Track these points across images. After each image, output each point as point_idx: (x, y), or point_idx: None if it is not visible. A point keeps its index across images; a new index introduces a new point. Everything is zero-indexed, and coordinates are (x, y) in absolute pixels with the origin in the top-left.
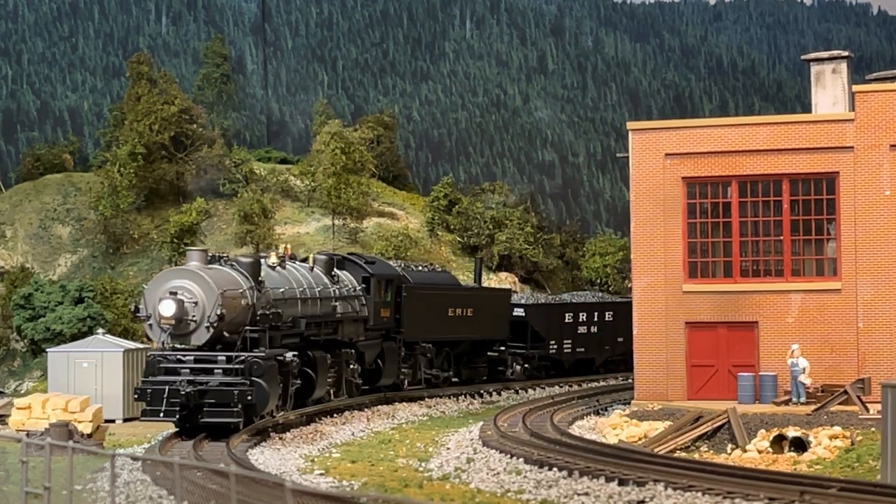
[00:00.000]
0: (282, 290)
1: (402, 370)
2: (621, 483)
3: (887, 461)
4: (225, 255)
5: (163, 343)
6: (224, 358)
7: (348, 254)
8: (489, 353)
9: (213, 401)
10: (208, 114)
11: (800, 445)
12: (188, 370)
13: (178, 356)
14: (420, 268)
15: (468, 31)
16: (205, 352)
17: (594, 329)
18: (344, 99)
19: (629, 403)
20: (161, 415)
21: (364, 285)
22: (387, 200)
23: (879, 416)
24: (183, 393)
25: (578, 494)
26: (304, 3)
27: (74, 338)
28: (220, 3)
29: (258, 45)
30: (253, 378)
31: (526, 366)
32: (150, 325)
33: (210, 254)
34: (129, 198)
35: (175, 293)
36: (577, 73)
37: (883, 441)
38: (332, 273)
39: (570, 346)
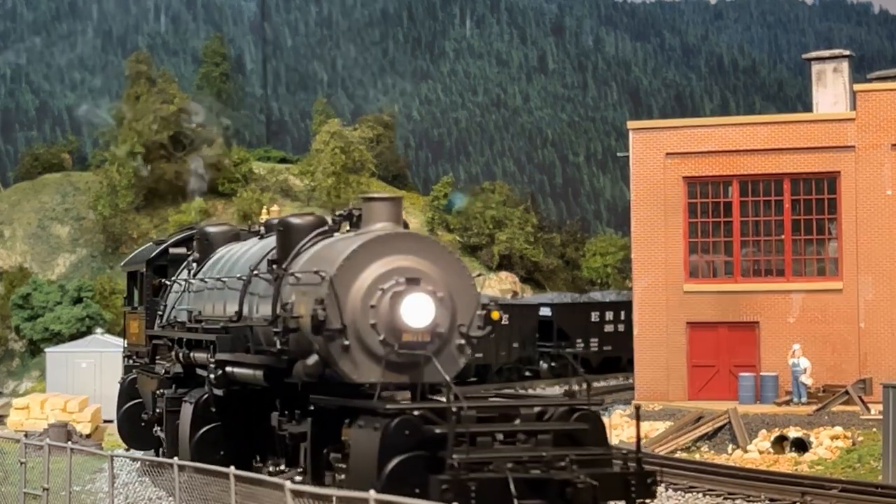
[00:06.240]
0: None
1: None
2: None
3: (889, 462)
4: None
5: (387, 387)
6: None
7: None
8: None
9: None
10: (207, 113)
11: (801, 446)
12: (500, 436)
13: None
14: None
15: (468, 31)
16: (505, 398)
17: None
18: (344, 98)
19: (629, 403)
20: None
21: None
22: None
23: (881, 417)
24: (579, 486)
25: None
26: (304, 2)
27: (73, 337)
28: (219, 2)
29: (258, 44)
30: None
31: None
32: (347, 347)
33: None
34: (127, 197)
35: (416, 281)
36: (577, 73)
37: (884, 441)
38: None
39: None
